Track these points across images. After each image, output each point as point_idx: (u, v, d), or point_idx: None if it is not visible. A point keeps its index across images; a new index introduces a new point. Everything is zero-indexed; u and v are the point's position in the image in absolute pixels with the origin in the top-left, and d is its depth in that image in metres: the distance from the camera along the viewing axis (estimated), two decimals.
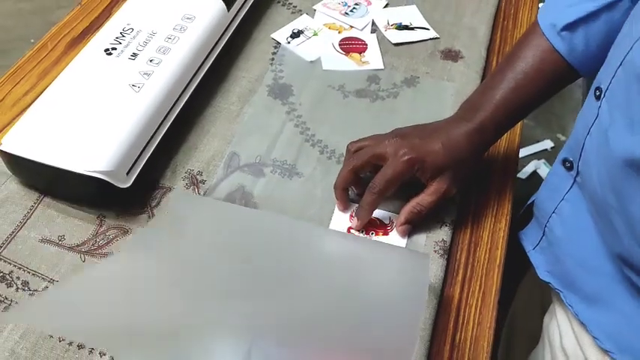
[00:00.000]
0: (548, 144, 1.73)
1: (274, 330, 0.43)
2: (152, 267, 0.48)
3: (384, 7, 0.82)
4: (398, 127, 0.59)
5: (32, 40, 1.92)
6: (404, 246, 0.57)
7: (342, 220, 0.58)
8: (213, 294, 0.45)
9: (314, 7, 0.81)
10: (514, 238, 0.63)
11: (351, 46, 0.76)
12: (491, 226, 0.60)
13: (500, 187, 0.63)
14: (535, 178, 1.65)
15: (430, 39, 0.77)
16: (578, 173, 0.53)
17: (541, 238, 0.59)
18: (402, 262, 0.51)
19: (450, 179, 0.56)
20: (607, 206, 0.48)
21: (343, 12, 0.81)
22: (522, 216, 0.64)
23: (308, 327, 0.44)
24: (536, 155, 1.71)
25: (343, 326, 0.44)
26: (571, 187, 0.54)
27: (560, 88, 0.60)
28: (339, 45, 0.76)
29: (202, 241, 0.51)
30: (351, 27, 0.79)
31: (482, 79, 0.73)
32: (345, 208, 0.59)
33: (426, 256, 0.52)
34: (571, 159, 0.53)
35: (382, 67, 0.74)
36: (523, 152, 1.69)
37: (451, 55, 0.76)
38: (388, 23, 0.79)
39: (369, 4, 0.82)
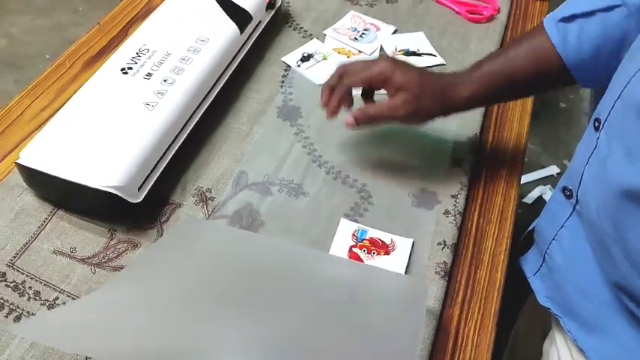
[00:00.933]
0: (554, 169, 1.74)
1: (273, 352, 0.44)
2: (157, 286, 0.49)
3: (393, 33, 0.84)
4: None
5: (48, 56, 1.96)
6: (405, 265, 0.58)
7: (343, 241, 0.60)
8: (215, 315, 0.46)
9: (324, 32, 0.83)
10: (515, 264, 0.64)
11: None
12: (492, 249, 0.61)
13: (502, 210, 0.64)
14: (540, 203, 1.66)
15: (437, 65, 0.79)
16: (577, 201, 0.54)
17: (541, 265, 0.60)
18: (401, 288, 0.52)
19: (405, 100, 0.58)
20: (604, 234, 0.49)
21: (352, 37, 0.83)
22: (523, 242, 0.65)
23: (307, 349, 0.44)
24: (542, 181, 1.72)
25: (341, 349, 0.45)
26: (570, 214, 0.55)
27: (546, 85, 0.63)
28: None
29: (206, 263, 0.52)
30: (360, 52, 0.81)
31: None
32: (326, 103, 0.62)
33: (425, 283, 0.53)
34: (570, 187, 0.54)
35: None
36: (529, 177, 1.70)
37: None
38: (396, 49, 0.81)
39: (378, 30, 0.84)
